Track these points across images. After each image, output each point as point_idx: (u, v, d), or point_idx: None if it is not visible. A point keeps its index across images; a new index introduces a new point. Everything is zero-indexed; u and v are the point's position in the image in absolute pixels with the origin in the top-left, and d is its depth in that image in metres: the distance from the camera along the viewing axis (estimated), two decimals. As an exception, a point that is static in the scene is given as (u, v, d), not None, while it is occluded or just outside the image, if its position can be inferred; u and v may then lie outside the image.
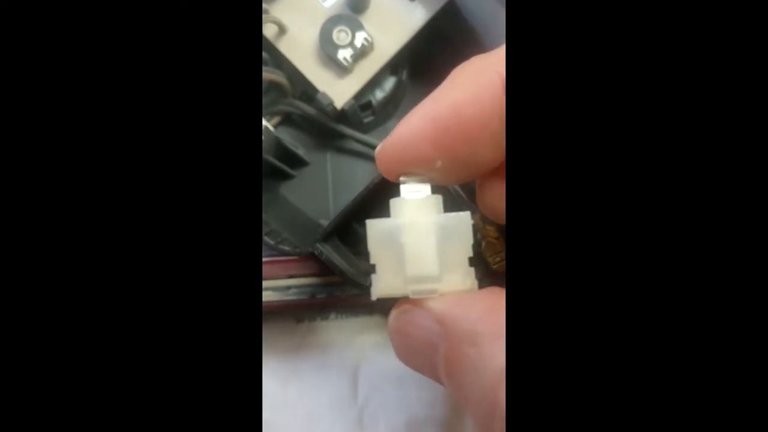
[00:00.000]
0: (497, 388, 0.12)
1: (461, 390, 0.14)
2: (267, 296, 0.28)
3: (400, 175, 0.16)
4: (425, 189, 0.16)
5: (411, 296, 0.15)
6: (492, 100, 0.14)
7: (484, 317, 0.13)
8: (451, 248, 0.15)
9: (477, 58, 0.15)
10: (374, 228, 0.15)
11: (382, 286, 0.15)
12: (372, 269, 0.16)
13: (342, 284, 0.27)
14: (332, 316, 0.30)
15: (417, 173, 0.16)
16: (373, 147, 0.29)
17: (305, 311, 0.30)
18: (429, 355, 0.14)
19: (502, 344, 0.13)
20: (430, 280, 0.15)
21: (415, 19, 0.27)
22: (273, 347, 0.30)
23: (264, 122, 0.27)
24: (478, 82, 0.14)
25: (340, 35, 0.26)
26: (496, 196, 0.16)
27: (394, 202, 0.16)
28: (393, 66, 0.28)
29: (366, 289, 0.25)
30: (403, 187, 0.16)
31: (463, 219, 0.15)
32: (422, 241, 0.15)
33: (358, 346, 0.30)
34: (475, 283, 0.15)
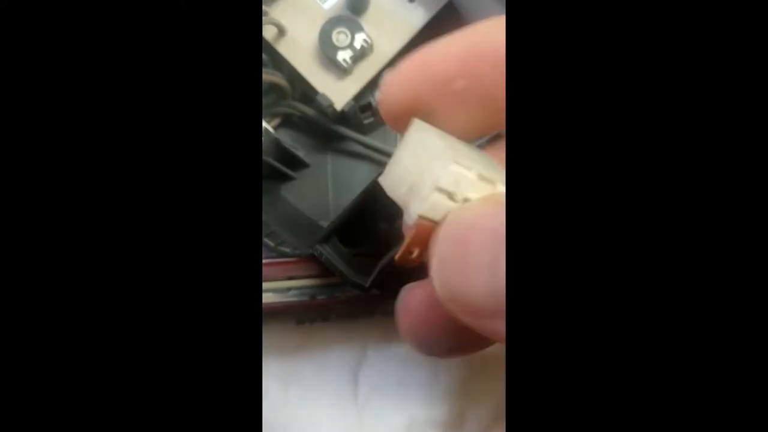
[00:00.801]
0: None
1: None
2: (267, 298, 0.28)
3: (406, 114, 0.14)
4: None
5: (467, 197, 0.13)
6: None
7: None
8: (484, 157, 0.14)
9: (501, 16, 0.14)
10: (392, 167, 0.14)
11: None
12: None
13: (342, 285, 0.27)
14: (332, 317, 0.30)
15: (428, 112, 0.14)
16: (373, 148, 0.29)
17: (306, 313, 0.30)
18: (496, 258, 0.12)
19: None
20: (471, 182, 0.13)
21: (415, 20, 0.27)
22: (274, 348, 0.30)
23: (264, 124, 0.28)
24: (501, 25, 0.14)
25: (339, 37, 0.27)
26: None
27: (409, 132, 0.14)
28: (393, 67, 0.28)
29: (366, 289, 0.25)
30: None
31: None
32: (460, 147, 0.13)
33: (359, 347, 0.30)
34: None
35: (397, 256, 0.13)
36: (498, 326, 0.12)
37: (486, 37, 0.14)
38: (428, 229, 0.13)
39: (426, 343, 0.15)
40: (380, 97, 0.14)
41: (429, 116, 0.14)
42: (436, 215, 0.12)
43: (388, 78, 0.14)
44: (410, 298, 0.15)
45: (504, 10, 0.24)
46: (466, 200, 0.13)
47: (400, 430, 0.29)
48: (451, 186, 0.12)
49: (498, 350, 0.21)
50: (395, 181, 0.13)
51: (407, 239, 0.13)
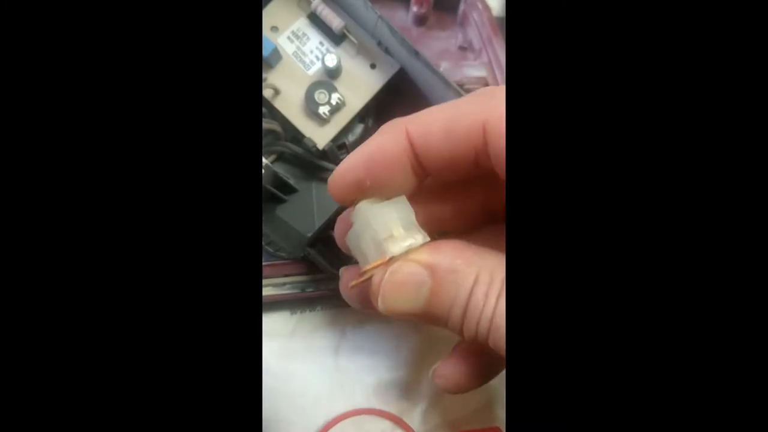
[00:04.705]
0: (477, 292, 0.16)
1: (444, 307, 0.16)
2: (268, 291, 0.31)
3: (345, 196, 0.19)
4: None
5: (393, 254, 0.17)
6: (400, 144, 0.18)
7: (457, 254, 0.17)
8: (403, 215, 0.17)
9: (395, 120, 0.19)
10: (350, 235, 0.18)
11: (368, 264, 0.17)
12: (355, 262, 0.18)
13: (326, 281, 0.31)
14: (318, 308, 0.33)
15: (361, 196, 0.18)
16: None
17: (297, 305, 0.33)
18: (416, 292, 0.17)
19: (474, 270, 0.16)
20: (399, 239, 0.17)
21: (376, 82, 0.31)
22: (274, 333, 0.33)
23: (264, 160, 0.30)
24: (393, 132, 0.19)
25: (320, 96, 0.30)
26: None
27: (354, 211, 0.19)
28: (361, 116, 0.32)
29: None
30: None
31: (401, 198, 0.18)
32: (384, 216, 0.17)
33: (339, 329, 0.33)
34: (427, 236, 0.18)
35: (357, 282, 0.18)
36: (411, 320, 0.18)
37: (377, 149, 0.19)
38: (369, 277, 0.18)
39: (351, 300, 0.22)
40: (329, 187, 0.19)
41: (364, 192, 0.18)
42: (377, 273, 0.18)
43: (330, 179, 0.19)
44: (346, 277, 0.21)
45: (436, 77, 0.29)
46: (401, 251, 0.17)
47: (371, 389, 0.32)
48: (391, 247, 0.17)
49: (444, 333, 0.24)
50: (355, 244, 0.18)
51: (364, 278, 0.18)
